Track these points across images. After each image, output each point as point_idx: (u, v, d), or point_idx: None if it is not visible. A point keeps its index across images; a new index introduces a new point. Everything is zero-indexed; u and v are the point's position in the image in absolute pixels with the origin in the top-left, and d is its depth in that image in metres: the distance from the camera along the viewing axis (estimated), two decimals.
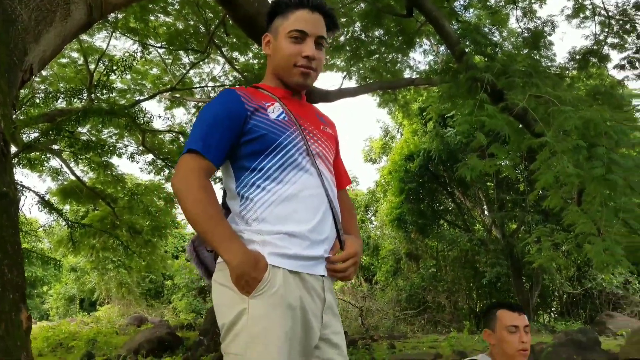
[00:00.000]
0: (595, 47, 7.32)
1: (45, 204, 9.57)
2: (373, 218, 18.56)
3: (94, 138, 9.77)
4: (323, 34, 1.52)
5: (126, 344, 9.71)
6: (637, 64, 7.23)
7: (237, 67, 9.46)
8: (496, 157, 5.08)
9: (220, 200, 1.50)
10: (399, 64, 9.05)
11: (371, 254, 16.68)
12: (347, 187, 1.77)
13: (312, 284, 1.39)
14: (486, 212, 14.37)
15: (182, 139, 10.60)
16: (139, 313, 16.71)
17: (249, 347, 1.29)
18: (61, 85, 9.20)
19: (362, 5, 7.43)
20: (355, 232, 1.60)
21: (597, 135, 3.96)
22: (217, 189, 1.57)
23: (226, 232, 1.33)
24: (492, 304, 2.02)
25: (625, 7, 7.23)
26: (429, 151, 12.99)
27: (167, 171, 10.85)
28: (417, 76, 8.86)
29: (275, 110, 1.47)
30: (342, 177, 1.70)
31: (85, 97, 8.67)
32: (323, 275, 1.44)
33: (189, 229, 22.46)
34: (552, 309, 14.65)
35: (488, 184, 13.85)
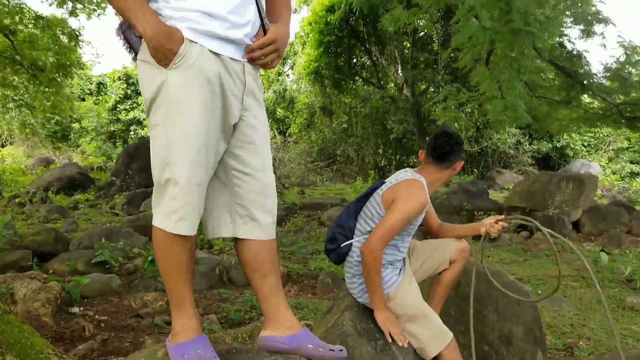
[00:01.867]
0: None
1: None
2: (290, 71, 18.39)
3: None
4: None
5: (35, 182, 9.58)
6: None
7: None
8: (420, 7, 5.11)
9: None
10: None
11: (286, 107, 16.86)
12: None
13: (231, 65, 1.40)
14: (400, 72, 14.77)
15: None
16: (45, 155, 16.16)
17: (169, 114, 1.34)
18: None
19: None
20: (283, 20, 1.56)
21: None
22: None
23: (140, 5, 1.32)
24: (456, 147, 2.07)
25: None
26: (351, 4, 12.67)
27: (70, 4, 9.88)
28: None
29: None
30: None
31: None
32: (244, 60, 1.45)
33: (96, 71, 21.01)
34: None
35: (405, 43, 14.03)
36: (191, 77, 1.33)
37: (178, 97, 1.33)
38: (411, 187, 1.97)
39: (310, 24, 14.43)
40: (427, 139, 13.56)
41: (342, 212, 2.11)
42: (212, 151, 1.40)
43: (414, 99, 13.47)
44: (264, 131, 1.53)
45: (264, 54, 1.46)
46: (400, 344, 1.82)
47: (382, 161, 15.49)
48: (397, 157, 14.95)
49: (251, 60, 1.45)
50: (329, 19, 13.55)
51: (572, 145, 15.64)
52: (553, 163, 15.65)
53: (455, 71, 11.68)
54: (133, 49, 1.48)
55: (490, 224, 2.05)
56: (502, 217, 2.07)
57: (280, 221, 6.73)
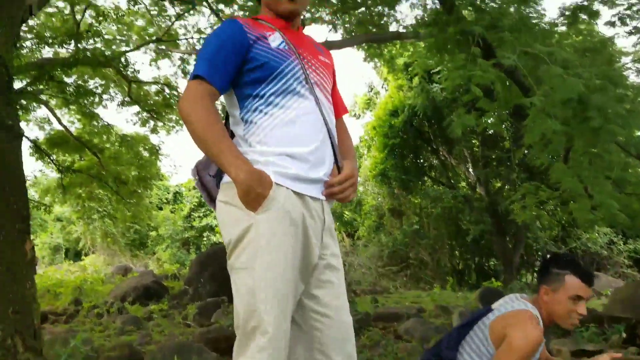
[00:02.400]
0: (585, 3, 7.14)
1: (36, 149, 9.70)
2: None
3: (81, 90, 9.76)
4: None
5: (113, 292, 9.78)
6: (627, 21, 7.07)
7: (223, 18, 9.28)
8: (484, 112, 5.01)
9: None
10: (385, 18, 8.81)
11: (354, 209, 16.78)
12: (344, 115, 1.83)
13: (312, 205, 1.44)
14: (471, 170, 14.41)
15: (167, 90, 10.73)
16: (124, 263, 16.88)
17: (257, 258, 1.34)
18: (48, 35, 9.11)
19: None
20: (351, 157, 1.65)
21: (589, 91, 3.87)
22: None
23: (232, 150, 1.37)
24: (564, 259, 1.83)
25: None
26: (414, 107, 12.85)
27: (152, 123, 11.06)
28: (404, 30, 8.63)
29: (275, 40, 1.52)
30: (339, 106, 1.75)
31: (72, 47, 8.68)
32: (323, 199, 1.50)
33: (173, 181, 22.49)
34: (536, 269, 14.95)
35: (473, 141, 13.83)
36: (279, 221, 1.36)
37: (266, 241, 1.35)
38: (523, 321, 1.66)
39: (374, 128, 14.71)
40: (506, 239, 12.84)
41: (441, 338, 1.87)
42: (294, 295, 1.39)
43: (489, 198, 12.92)
44: (341, 269, 1.54)
45: (343, 189, 1.52)
46: None
47: (460, 265, 14.66)
48: (476, 259, 14.10)
49: (330, 196, 1.51)
50: (392, 122, 13.77)
51: None
52: None
53: (531, 168, 11.18)
54: (206, 189, 1.55)
55: None
56: (619, 355, 1.70)
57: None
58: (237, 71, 1.47)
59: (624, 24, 6.98)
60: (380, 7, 8.50)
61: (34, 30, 9.14)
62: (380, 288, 12.54)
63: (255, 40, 1.48)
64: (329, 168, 1.51)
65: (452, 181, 14.95)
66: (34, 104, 9.87)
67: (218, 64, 1.44)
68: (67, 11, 9.12)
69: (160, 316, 7.89)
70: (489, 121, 8.25)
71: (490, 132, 13.10)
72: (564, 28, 7.44)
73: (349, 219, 17.01)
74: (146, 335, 6.40)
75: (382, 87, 16.92)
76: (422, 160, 15.35)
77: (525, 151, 9.08)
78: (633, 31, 7.27)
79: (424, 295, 10.76)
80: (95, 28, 8.10)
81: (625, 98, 4.64)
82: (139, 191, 11.84)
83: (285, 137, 1.43)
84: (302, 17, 1.70)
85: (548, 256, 1.93)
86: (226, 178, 1.42)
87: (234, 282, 1.39)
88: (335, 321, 1.44)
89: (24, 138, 8.95)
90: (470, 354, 1.74)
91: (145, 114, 10.84)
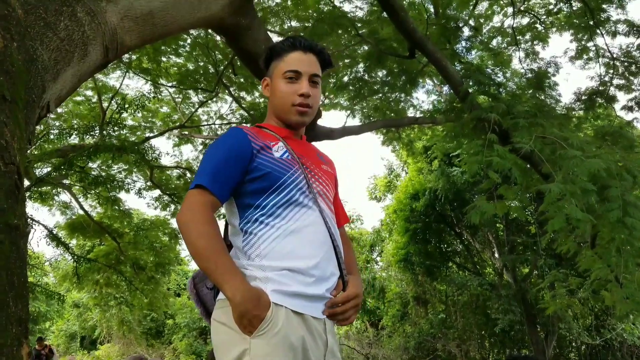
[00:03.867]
0: (601, 88, 7.19)
1: (53, 237, 9.72)
2: (378, 258, 18.18)
3: (103, 174, 10.09)
4: (317, 72, 1.59)
5: None
6: None
7: (244, 105, 9.73)
8: (505, 198, 4.90)
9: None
10: (402, 103, 9.02)
11: (377, 296, 16.22)
12: (345, 225, 1.79)
13: (314, 325, 1.38)
14: (496, 255, 13.96)
15: (189, 175, 10.94)
16: (139, 353, 16.44)
17: None
18: (75, 122, 9.60)
19: (366, 47, 7.44)
20: (355, 271, 1.60)
21: (610, 177, 3.76)
22: (221, 224, 1.58)
23: (229, 267, 1.31)
24: (525, 357, 1.89)
25: (629, 49, 7.15)
26: (435, 190, 12.76)
27: (173, 207, 11.27)
28: (421, 115, 8.78)
29: (279, 150, 1.51)
30: (340, 215, 1.72)
31: (97, 134, 9.00)
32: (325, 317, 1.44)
33: (192, 266, 22.37)
34: None
35: (497, 225, 13.51)
36: (275, 346, 1.29)
37: None
38: None
39: (395, 211, 14.57)
40: (538, 329, 12.10)
41: None
42: None
43: (516, 285, 12.35)
44: None
45: (345, 309, 1.45)
46: None
47: (490, 356, 13.76)
48: (506, 351, 13.22)
49: (331, 316, 1.44)
50: (413, 206, 13.63)
51: None
52: None
53: (559, 254, 10.76)
54: (202, 303, 1.50)
55: None
56: None
57: None
58: (239, 181, 1.45)
59: None
60: (396, 94, 8.72)
61: (62, 118, 9.60)
62: None
63: (259, 149, 1.47)
64: (333, 283, 1.44)
65: (478, 267, 14.45)
66: (57, 190, 10.10)
67: (220, 173, 1.41)
68: (94, 100, 9.60)
69: None
70: (512, 204, 8.09)
71: (514, 216, 12.83)
72: (581, 112, 7.47)
73: (372, 307, 16.40)
74: None
75: (402, 170, 17.01)
76: (445, 245, 14.98)
77: (552, 235, 8.78)
78: None
79: None
80: (119, 115, 8.44)
81: None
82: (157, 277, 11.73)
83: (286, 250, 1.38)
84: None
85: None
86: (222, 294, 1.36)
87: None
88: None
89: (42, 225, 9.15)
90: None
91: (166, 197, 11.00)
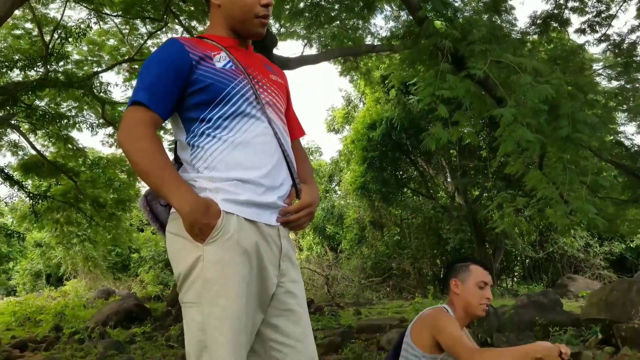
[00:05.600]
0: (555, 11, 7.29)
1: (6, 177, 9.47)
2: (337, 188, 18.58)
3: (52, 112, 9.62)
4: None
5: (94, 317, 9.63)
6: (597, 28, 7.23)
7: (196, 35, 9.24)
8: (459, 124, 5.07)
9: (172, 155, 1.50)
10: (360, 31, 8.89)
11: (336, 223, 16.76)
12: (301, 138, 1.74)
13: (267, 230, 1.37)
14: (449, 179, 14.56)
15: None
16: (106, 287, 16.62)
17: (205, 293, 1.27)
18: (16, 57, 8.95)
19: None
20: (310, 180, 1.57)
21: (560, 98, 3.95)
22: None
23: (175, 180, 1.30)
24: (463, 257, 2.17)
25: None
26: (392, 119, 12.96)
27: None
28: (379, 43, 8.71)
29: (221, 60, 1.43)
30: (295, 128, 1.68)
31: (41, 68, 8.51)
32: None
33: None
34: (515, 274, 15.13)
35: (451, 151, 13.98)
36: (229, 252, 1.29)
37: (215, 274, 1.28)
38: (436, 314, 1.94)
39: (353, 141, 14.77)
40: (486, 247, 12.92)
41: None
42: (250, 327, 1.32)
43: (468, 207, 13.04)
44: (302, 295, 1.47)
45: (300, 217, 1.45)
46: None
47: (441, 273, 14.73)
48: (463, 256, 14.21)
49: (285, 224, 1.43)
50: (371, 136, 13.84)
51: None
52: (629, 264, 14.33)
53: (508, 176, 11.35)
54: (158, 219, 1.47)
55: (551, 350, 1.61)
56: (566, 349, 1.66)
57: (336, 348, 6.34)
58: (179, 94, 1.39)
59: (593, 31, 7.15)
60: (354, 21, 8.58)
61: (1, 54, 8.99)
62: (364, 300, 12.51)
63: (198, 60, 1.39)
64: (285, 191, 1.43)
65: (432, 192, 15.06)
66: (5, 129, 9.69)
67: (158, 87, 1.35)
68: (35, 32, 8.98)
69: (142, 339, 7.81)
70: (464, 131, 8.36)
71: (467, 142, 13.29)
72: (535, 37, 7.60)
73: (331, 233, 16.98)
74: (128, 359, 6.32)
75: (360, 101, 17.06)
76: (401, 172, 15.45)
77: (502, 159, 9.20)
78: (603, 38, 7.43)
79: (406, 305, 10.76)
80: (62, 47, 7.94)
81: (596, 104, 4.73)
82: (118, 214, 11.60)
83: (235, 161, 1.36)
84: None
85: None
86: None
87: (184, 318, 1.32)
88: (297, 350, 1.38)
89: None
90: None
91: None
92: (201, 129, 1.39)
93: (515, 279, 14.82)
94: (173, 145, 1.54)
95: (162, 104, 1.36)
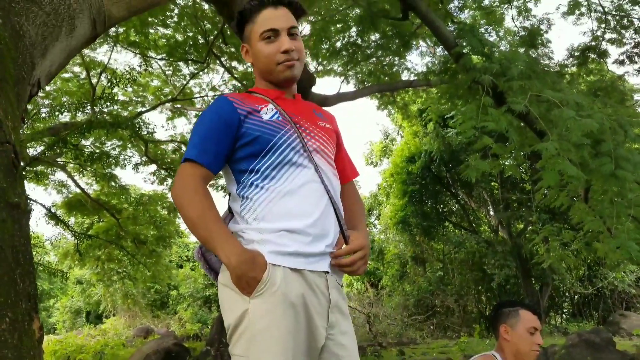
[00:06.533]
0: (593, 43, 7.22)
1: (51, 216, 9.73)
2: (377, 222, 18.42)
3: (97, 151, 9.95)
4: (293, 24, 1.54)
5: (133, 356, 9.64)
6: (636, 59, 7.13)
7: (236, 75, 9.58)
8: (499, 157, 5.00)
9: (226, 206, 1.54)
10: (396, 67, 8.99)
11: (376, 258, 16.54)
12: (355, 179, 1.74)
13: (315, 281, 1.36)
14: (492, 213, 14.22)
15: (183, 148, 10.81)
16: (145, 324, 16.70)
17: (251, 346, 1.28)
18: (64, 99, 9.39)
19: (358, 10, 7.38)
20: (361, 227, 1.55)
21: (602, 132, 3.86)
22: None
23: (222, 233, 1.32)
24: (512, 301, 2.07)
25: (620, 2, 7.15)
26: (431, 152, 12.88)
27: (169, 180, 11.17)
28: (415, 78, 8.78)
29: (268, 112, 1.47)
30: (347, 170, 1.68)
31: (88, 110, 8.86)
32: (327, 272, 1.40)
33: (193, 238, 22.48)
34: (564, 310, 14.46)
35: (492, 184, 13.72)
36: (275, 305, 1.30)
37: (262, 327, 1.28)
38: None
39: (392, 175, 14.72)
40: (532, 282, 12.45)
41: None
42: None
43: (512, 241, 12.66)
44: (354, 347, 1.43)
45: (354, 261, 1.42)
46: None
47: (487, 311, 14.21)
48: (512, 299, 13.68)
49: (339, 267, 1.42)
50: (410, 169, 13.77)
51: None
52: None
53: (553, 209, 11.00)
54: (213, 270, 1.49)
55: None
56: None
57: None
58: (229, 149, 1.44)
59: (632, 62, 7.03)
60: (390, 57, 8.70)
61: (51, 96, 9.44)
62: (407, 339, 12.17)
63: (246, 115, 1.44)
64: (333, 239, 1.42)
65: (474, 225, 14.73)
66: (51, 169, 10.01)
67: (208, 144, 1.41)
68: (82, 75, 9.39)
69: None
70: (506, 163, 8.23)
71: (508, 174, 13.03)
72: (574, 69, 7.52)
73: (372, 269, 16.76)
74: None
75: (398, 134, 17.06)
76: (442, 206, 15.22)
77: (546, 192, 8.96)
78: None
79: (451, 344, 10.41)
80: (110, 91, 8.33)
81: (638, 139, 4.60)
82: (158, 250, 11.76)
83: (283, 211, 1.37)
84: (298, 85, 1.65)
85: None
86: None
87: None
88: None
89: (40, 205, 9.13)
90: None
91: (162, 171, 10.93)
92: (250, 180, 1.43)
93: (564, 316, 14.15)
94: (227, 197, 1.58)
95: (211, 159, 1.41)
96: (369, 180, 30.30)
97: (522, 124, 5.54)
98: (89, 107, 8.76)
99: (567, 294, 13.95)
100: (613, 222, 4.57)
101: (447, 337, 12.71)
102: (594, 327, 9.72)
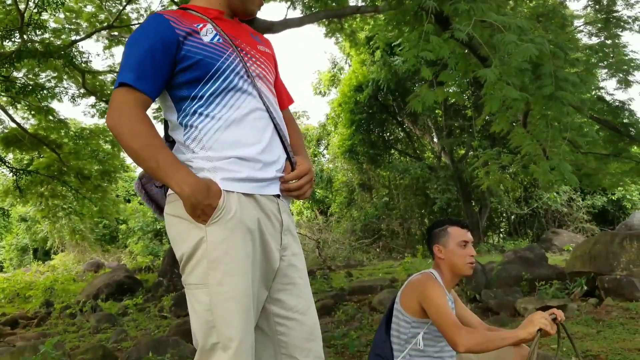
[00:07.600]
0: None
1: None
2: (325, 151, 18.64)
3: (31, 83, 9.35)
4: None
5: (85, 290, 9.58)
6: None
7: (179, 7, 8.99)
8: (445, 84, 5.10)
9: (162, 134, 1.44)
10: None
11: (325, 186, 16.90)
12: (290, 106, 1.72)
13: (268, 205, 1.36)
14: (435, 140, 14.68)
15: None
16: (95, 259, 16.50)
17: (210, 272, 1.26)
18: None
19: None
20: (303, 152, 1.54)
21: (543, 57, 4.00)
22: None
23: (171, 162, 1.26)
24: (440, 221, 2.12)
25: None
26: (378, 81, 12.93)
27: None
28: (363, 3, 8.62)
29: (208, 33, 1.38)
30: (283, 97, 1.64)
31: (17, 39, 8.23)
32: (278, 196, 1.40)
33: (140, 171, 21.99)
34: (501, 230, 15.52)
35: (437, 111, 14.05)
36: (232, 231, 1.28)
37: (220, 254, 1.27)
38: (423, 281, 1.95)
39: (340, 104, 14.75)
40: (472, 205, 13.18)
41: (375, 334, 2.02)
42: (256, 304, 1.32)
43: (454, 166, 13.23)
44: (303, 268, 1.46)
45: (301, 185, 1.43)
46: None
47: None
48: (439, 219, 14.52)
49: (287, 192, 1.42)
50: (357, 98, 13.82)
51: (628, 197, 14.79)
52: (611, 217, 14.76)
53: (493, 134, 11.49)
54: (154, 201, 1.45)
55: (545, 323, 1.65)
56: (559, 312, 1.72)
57: (329, 310, 6.41)
58: (169, 74, 1.34)
59: None
60: None
61: None
62: (355, 262, 12.76)
63: (185, 36, 1.33)
64: (281, 165, 1.41)
65: (418, 152, 15.21)
66: None
67: (146, 67, 1.30)
68: (9, 1, 8.60)
69: (135, 311, 7.77)
70: (450, 91, 8.41)
71: (452, 102, 13.36)
72: None
73: (321, 197, 17.14)
74: (121, 332, 6.23)
75: (346, 63, 16.92)
76: (388, 134, 15.54)
77: (487, 118, 9.30)
78: None
79: (396, 265, 11.01)
80: (38, 17, 7.69)
81: (577, 62, 4.80)
82: (103, 185, 11.49)
83: (231, 139, 1.33)
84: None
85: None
86: None
87: (189, 300, 1.31)
88: (300, 323, 1.39)
89: None
90: (398, 335, 1.94)
91: (102, 104, 10.40)
92: (193, 108, 1.36)
93: (501, 235, 15.20)
94: (164, 125, 1.49)
95: (150, 84, 1.31)
96: (317, 110, 30.09)
97: (466, 50, 5.64)
98: (17, 35, 8.14)
99: (504, 214, 14.92)
100: (548, 144, 4.87)
101: (392, 258, 13.41)
102: (529, 244, 10.52)
